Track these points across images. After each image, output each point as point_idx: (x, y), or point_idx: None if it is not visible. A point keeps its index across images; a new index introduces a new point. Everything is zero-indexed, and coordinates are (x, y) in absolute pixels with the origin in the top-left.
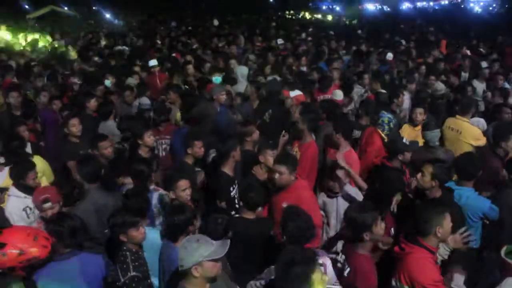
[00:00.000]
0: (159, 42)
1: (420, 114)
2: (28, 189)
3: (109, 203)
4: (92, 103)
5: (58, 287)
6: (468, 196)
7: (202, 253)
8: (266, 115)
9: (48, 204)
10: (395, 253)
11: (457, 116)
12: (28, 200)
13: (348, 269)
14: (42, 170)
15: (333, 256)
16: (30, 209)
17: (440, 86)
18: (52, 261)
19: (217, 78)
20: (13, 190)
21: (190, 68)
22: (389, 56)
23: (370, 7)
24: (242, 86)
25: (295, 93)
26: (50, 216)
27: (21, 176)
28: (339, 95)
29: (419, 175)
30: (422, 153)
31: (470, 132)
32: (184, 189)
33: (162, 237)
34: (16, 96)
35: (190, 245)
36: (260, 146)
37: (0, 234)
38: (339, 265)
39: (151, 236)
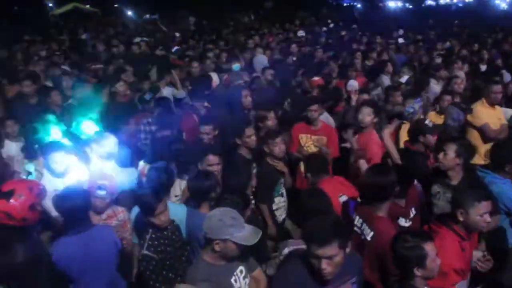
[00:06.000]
0: (177, 35)
1: (447, 102)
2: None
3: None
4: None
5: (67, 262)
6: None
7: (232, 232)
8: (286, 104)
9: (103, 193)
10: None
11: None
12: None
13: (371, 233)
14: None
15: None
16: None
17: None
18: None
19: (236, 66)
20: None
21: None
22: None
23: (391, 4)
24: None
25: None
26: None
27: None
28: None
29: (441, 155)
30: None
31: None
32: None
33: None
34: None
35: (225, 218)
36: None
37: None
38: (356, 229)
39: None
